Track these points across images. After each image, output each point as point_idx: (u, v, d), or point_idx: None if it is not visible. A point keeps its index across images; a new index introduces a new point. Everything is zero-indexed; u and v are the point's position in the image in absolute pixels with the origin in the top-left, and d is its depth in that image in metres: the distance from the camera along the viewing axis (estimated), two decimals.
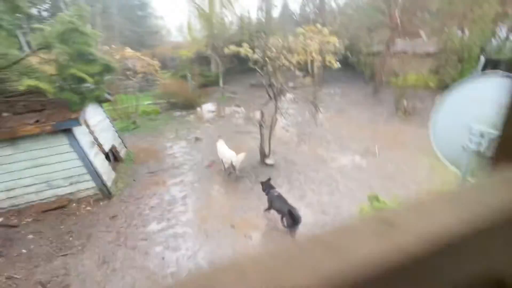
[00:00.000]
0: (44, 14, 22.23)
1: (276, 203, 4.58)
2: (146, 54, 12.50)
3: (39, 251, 4.19)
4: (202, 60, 23.38)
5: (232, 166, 6.14)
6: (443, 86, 12.51)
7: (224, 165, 6.25)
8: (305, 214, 4.72)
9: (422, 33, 15.98)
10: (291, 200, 5.10)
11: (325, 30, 5.56)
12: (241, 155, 6.02)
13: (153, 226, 4.67)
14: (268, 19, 21.05)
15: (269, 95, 6.25)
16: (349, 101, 12.79)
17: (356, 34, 16.80)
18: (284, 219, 4.29)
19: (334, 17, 15.87)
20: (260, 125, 6.41)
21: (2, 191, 4.93)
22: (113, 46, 11.43)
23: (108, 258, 3.99)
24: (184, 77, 16.59)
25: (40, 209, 5.10)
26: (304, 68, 7.29)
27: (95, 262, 3.93)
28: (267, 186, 4.80)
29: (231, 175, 6.27)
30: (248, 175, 6.19)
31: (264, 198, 4.84)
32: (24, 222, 4.83)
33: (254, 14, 24.64)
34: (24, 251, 4.18)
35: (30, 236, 4.46)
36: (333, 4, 23.17)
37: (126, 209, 5.19)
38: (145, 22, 35.40)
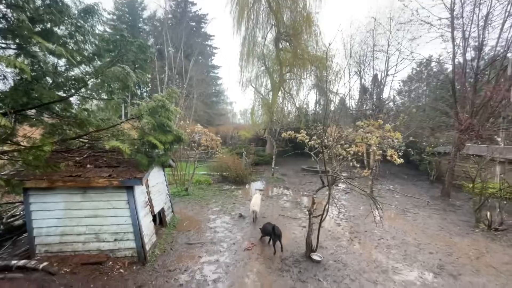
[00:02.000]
0: (144, 94, 28.53)
1: (266, 226, 6.47)
2: (211, 130, 14.19)
3: None
4: (259, 141, 25.35)
5: (253, 213, 8.17)
6: None
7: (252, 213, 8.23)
8: None
9: (498, 139, 14.64)
10: None
11: (387, 126, 5.51)
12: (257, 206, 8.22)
13: None
14: (325, 111, 22.65)
15: (322, 182, 5.98)
16: (413, 201, 11.32)
17: (418, 133, 16.36)
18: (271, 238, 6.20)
19: (394, 115, 16.09)
20: (310, 213, 5.94)
21: (57, 235, 5.26)
22: (187, 121, 13.41)
23: None
24: (239, 154, 17.80)
25: (80, 261, 5.15)
26: (361, 159, 7.06)
27: None
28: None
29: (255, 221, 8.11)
30: (290, 270, 5.40)
31: None
32: (62, 271, 4.86)
33: (312, 106, 27.00)
34: None
35: None
36: (391, 104, 24.05)
37: (155, 281, 4.84)
38: (217, 106, 41.97)
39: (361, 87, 24.55)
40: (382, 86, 22.70)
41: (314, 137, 6.20)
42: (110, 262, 5.25)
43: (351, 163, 5.99)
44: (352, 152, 5.78)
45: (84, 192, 5.26)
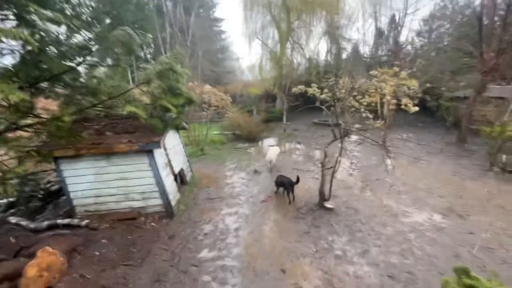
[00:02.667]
0: (148, 56, 27.79)
1: (278, 178, 6.99)
2: (220, 90, 14.01)
3: (108, 256, 4.64)
4: (269, 97, 24.84)
5: (269, 162, 9.13)
6: None
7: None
8: (368, 273, 4.08)
9: None
10: (351, 254, 4.56)
11: (403, 74, 5.24)
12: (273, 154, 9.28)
13: (205, 253, 4.70)
14: (337, 62, 21.32)
15: (334, 135, 6.03)
16: (427, 149, 11.30)
17: (437, 77, 15.39)
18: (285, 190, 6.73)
19: (411, 60, 15.03)
20: (322, 165, 6.14)
21: (92, 197, 5.83)
22: (195, 82, 13.23)
23: (161, 276, 4.14)
24: (250, 112, 17.77)
25: (116, 217, 5.79)
26: (375, 110, 6.92)
27: (150, 278, 4.11)
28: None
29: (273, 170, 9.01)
30: (304, 217, 5.84)
31: (320, 244, 4.89)
32: (102, 227, 5.53)
33: (322, 56, 25.45)
34: (97, 253, 4.70)
35: (104, 241, 5.03)
36: (409, 47, 22.26)
37: (183, 231, 5.44)
38: (223, 63, 40.45)
39: (377, 31, 22.62)
40: (399, 28, 20.79)
41: (326, 90, 6.05)
42: (142, 218, 5.87)
43: (363, 115, 5.92)
44: (365, 103, 5.66)
45: (108, 158, 5.62)
